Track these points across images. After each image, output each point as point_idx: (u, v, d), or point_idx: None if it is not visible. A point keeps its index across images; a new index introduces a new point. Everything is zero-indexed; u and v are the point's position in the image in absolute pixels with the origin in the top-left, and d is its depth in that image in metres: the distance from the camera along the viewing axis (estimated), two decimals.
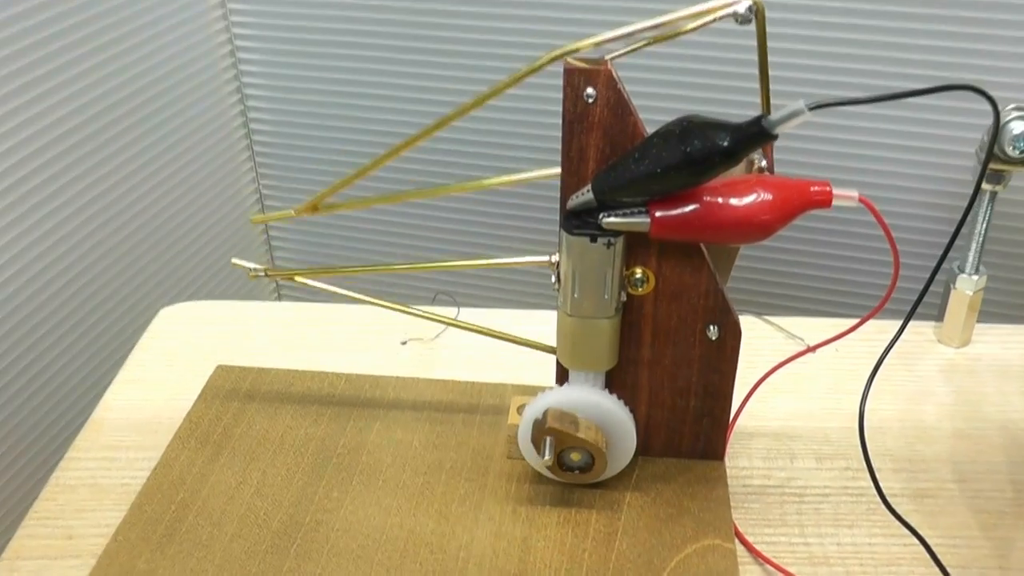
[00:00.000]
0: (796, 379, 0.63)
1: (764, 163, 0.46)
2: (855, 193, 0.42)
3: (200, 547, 0.49)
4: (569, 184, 0.45)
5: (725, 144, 0.39)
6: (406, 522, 0.50)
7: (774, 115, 0.38)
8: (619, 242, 0.44)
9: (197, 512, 0.51)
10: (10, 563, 0.51)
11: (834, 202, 0.43)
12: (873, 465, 0.48)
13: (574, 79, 0.43)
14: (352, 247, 1.12)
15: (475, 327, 0.54)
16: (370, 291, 0.56)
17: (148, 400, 0.63)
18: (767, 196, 0.43)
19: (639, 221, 0.43)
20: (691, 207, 0.43)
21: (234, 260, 0.59)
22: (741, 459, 0.57)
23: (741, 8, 0.41)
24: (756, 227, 0.43)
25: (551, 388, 0.50)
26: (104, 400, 0.65)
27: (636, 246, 0.46)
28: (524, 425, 0.50)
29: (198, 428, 0.57)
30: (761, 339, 0.68)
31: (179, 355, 0.68)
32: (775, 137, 0.39)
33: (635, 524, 0.49)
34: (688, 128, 0.40)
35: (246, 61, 1.03)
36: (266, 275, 0.57)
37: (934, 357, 0.66)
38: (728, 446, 0.56)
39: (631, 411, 0.50)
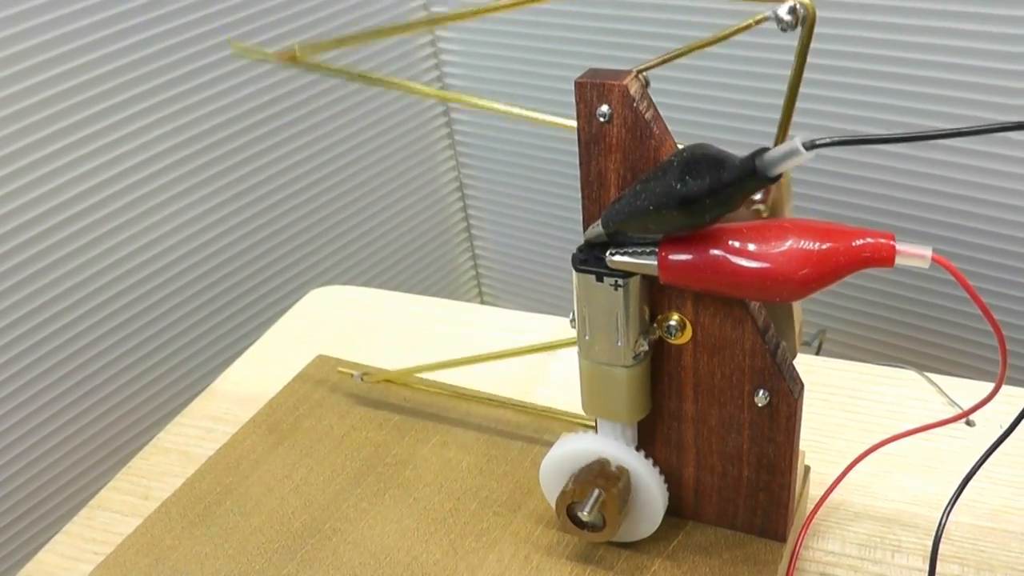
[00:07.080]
0: (937, 455, 0.53)
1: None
2: (928, 251, 0.33)
3: (223, 534, 0.49)
4: (591, 212, 0.40)
5: (710, 184, 0.32)
6: (415, 547, 0.47)
7: (770, 153, 0.31)
8: (632, 283, 0.39)
9: (236, 498, 0.52)
10: (91, 511, 0.56)
11: (899, 261, 0.34)
12: None
13: (587, 94, 0.37)
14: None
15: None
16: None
17: (266, 377, 0.65)
18: (803, 246, 0.35)
19: (645, 263, 0.37)
20: (705, 252, 0.36)
21: (340, 369, 0.59)
22: (832, 541, 0.48)
23: (783, 11, 0.33)
24: (786, 283, 0.35)
25: (577, 433, 0.45)
26: (227, 371, 0.68)
27: (670, 287, 0.40)
28: (545, 468, 0.45)
29: (273, 415, 0.58)
30: (912, 399, 0.57)
31: (311, 336, 0.70)
32: (774, 180, 0.32)
33: None
34: (688, 161, 0.34)
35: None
36: (361, 379, 0.57)
37: None
38: (816, 523, 0.48)
39: (661, 471, 0.44)
